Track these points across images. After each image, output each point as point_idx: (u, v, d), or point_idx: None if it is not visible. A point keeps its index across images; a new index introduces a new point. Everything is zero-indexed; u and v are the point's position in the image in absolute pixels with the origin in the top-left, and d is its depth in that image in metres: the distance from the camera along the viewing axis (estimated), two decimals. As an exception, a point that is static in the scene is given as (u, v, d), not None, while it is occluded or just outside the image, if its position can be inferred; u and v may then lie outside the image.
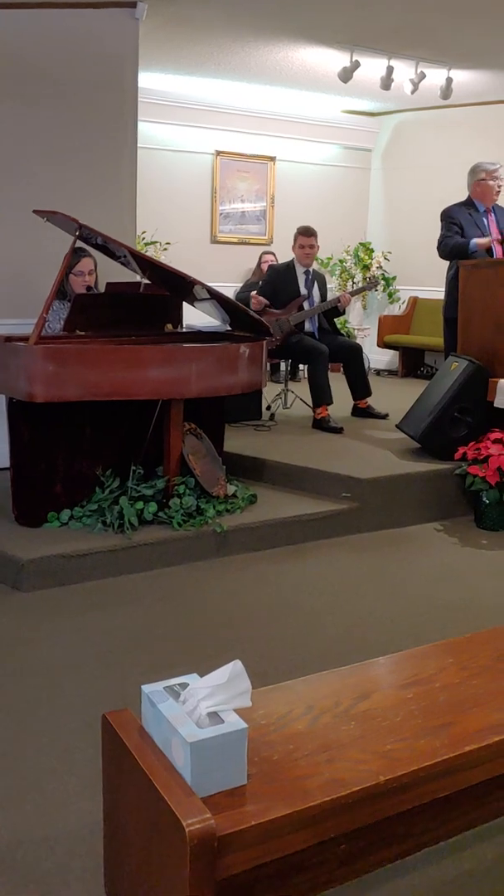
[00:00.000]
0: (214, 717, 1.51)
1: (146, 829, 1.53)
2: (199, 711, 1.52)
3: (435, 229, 5.55)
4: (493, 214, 5.52)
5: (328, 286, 6.27)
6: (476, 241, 5.24)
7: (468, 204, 5.52)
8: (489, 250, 5.37)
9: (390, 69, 6.45)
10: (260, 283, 6.48)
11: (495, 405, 4.69)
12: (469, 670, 1.98)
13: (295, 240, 5.91)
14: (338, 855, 1.70)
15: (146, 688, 1.62)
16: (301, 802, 1.47)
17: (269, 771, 1.55)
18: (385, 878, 1.91)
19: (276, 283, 5.87)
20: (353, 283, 8.63)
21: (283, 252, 6.08)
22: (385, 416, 5.81)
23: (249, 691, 1.55)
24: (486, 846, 2.04)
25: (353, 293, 6.13)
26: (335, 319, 6.06)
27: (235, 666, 1.55)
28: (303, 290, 5.84)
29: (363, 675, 1.95)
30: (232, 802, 1.46)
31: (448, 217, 5.48)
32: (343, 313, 6.08)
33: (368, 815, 1.57)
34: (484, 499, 4.47)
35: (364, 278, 8.55)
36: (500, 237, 5.46)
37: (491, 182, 5.43)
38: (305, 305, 5.81)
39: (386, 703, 1.81)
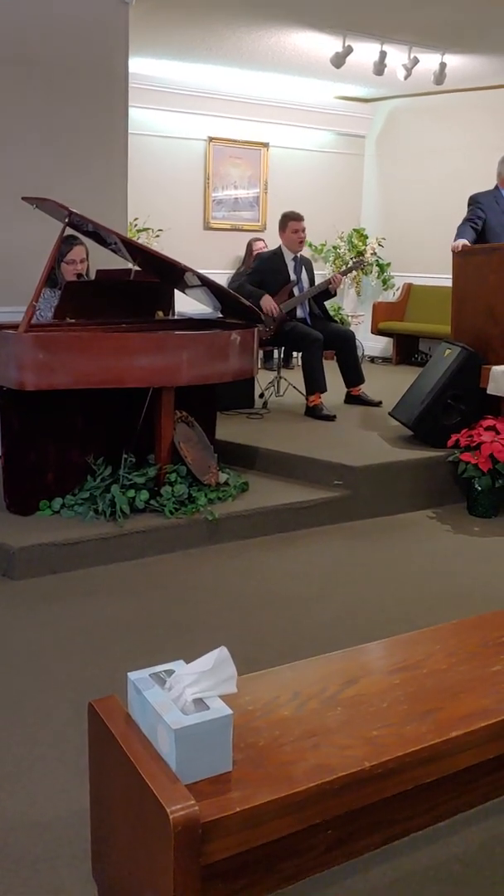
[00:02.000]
0: (200, 703, 1.51)
1: (132, 815, 1.53)
2: (185, 698, 1.51)
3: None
4: None
5: (321, 272, 6.24)
6: (458, 241, 5.21)
7: (496, 191, 5.50)
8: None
9: (383, 54, 6.41)
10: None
11: (488, 392, 4.69)
12: (457, 656, 1.98)
13: (285, 226, 5.84)
14: (325, 840, 1.70)
15: (132, 675, 1.62)
16: (286, 788, 1.48)
17: (255, 757, 1.56)
18: (373, 862, 1.92)
19: (265, 271, 5.83)
20: (346, 266, 8.61)
21: (277, 239, 6.03)
22: (378, 404, 5.80)
23: (235, 678, 1.55)
24: (474, 831, 2.05)
25: (343, 273, 6.09)
26: (327, 305, 6.02)
27: (221, 652, 1.55)
28: (292, 277, 5.81)
29: (351, 661, 1.95)
30: (217, 789, 1.46)
31: (474, 202, 5.45)
32: (335, 295, 6.03)
33: (354, 800, 1.57)
34: (476, 486, 4.48)
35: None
36: None
37: None
38: (295, 291, 5.78)
39: (373, 689, 1.81)
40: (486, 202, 5.41)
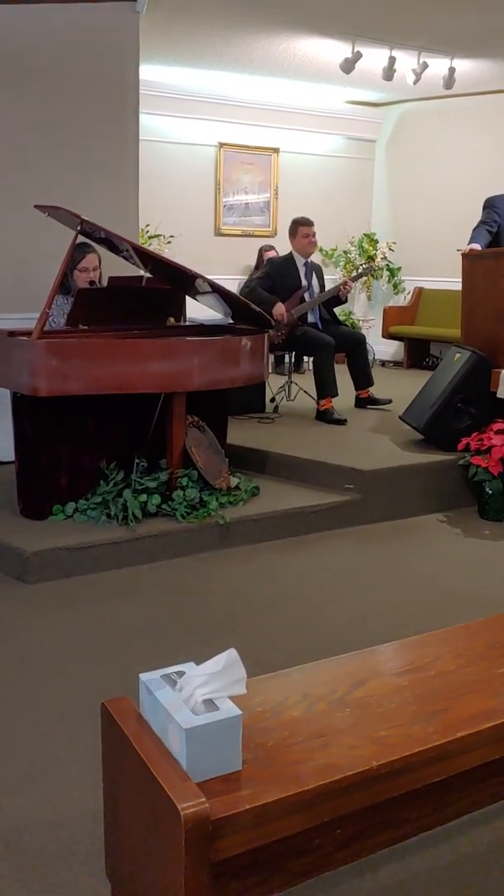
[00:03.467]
0: (210, 704, 1.54)
1: (144, 813, 1.56)
2: (195, 699, 1.55)
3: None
4: None
5: (331, 277, 6.27)
6: (470, 245, 5.22)
7: None
8: None
9: (392, 59, 6.45)
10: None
11: (498, 396, 4.70)
12: (464, 658, 2.00)
13: (295, 231, 5.88)
14: (335, 839, 1.73)
15: (144, 676, 1.65)
16: (294, 787, 1.50)
17: (264, 757, 1.58)
18: (382, 861, 1.94)
19: (276, 276, 5.86)
20: (357, 272, 8.64)
21: (287, 244, 6.06)
22: (388, 402, 5.82)
23: (244, 679, 1.58)
24: (483, 831, 2.07)
25: (353, 279, 6.11)
26: (335, 309, 6.06)
27: (231, 654, 1.58)
28: (303, 282, 5.85)
29: (359, 664, 1.98)
30: (227, 787, 1.49)
31: (490, 206, 5.46)
32: (345, 301, 6.06)
33: (362, 799, 1.59)
34: (487, 489, 4.49)
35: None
36: None
37: None
38: (306, 297, 5.82)
39: (381, 691, 1.84)
40: (501, 205, 5.42)
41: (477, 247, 5.18)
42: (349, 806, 1.58)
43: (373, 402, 5.90)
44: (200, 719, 1.49)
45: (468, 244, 5.29)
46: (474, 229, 5.39)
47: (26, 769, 2.31)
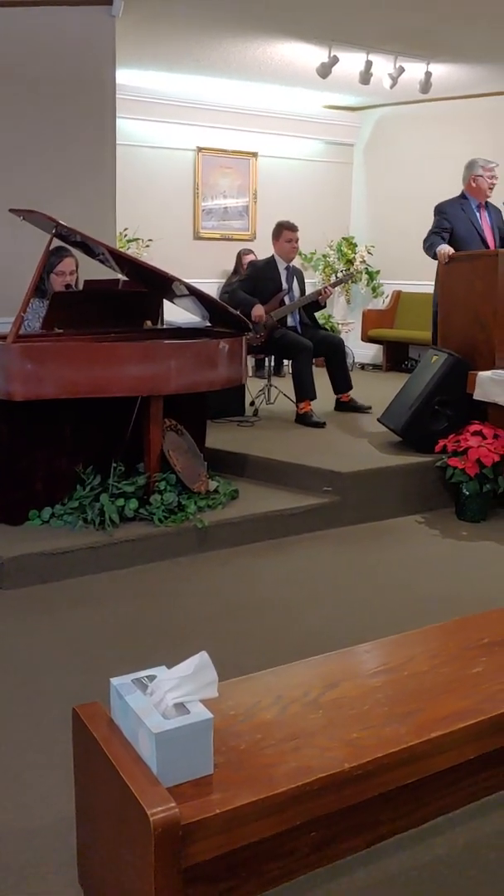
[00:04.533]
0: (181, 707, 1.53)
1: (114, 819, 1.55)
2: (166, 703, 1.54)
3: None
4: (485, 210, 5.55)
5: (310, 281, 6.29)
6: (438, 249, 5.25)
7: (461, 198, 5.56)
8: (485, 243, 5.41)
9: (369, 64, 6.47)
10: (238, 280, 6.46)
11: (475, 397, 4.72)
12: (438, 658, 2.01)
13: (279, 235, 5.90)
14: (309, 842, 1.72)
15: (115, 680, 1.64)
16: (266, 790, 1.50)
17: (236, 760, 1.58)
18: (357, 864, 1.93)
19: (258, 279, 5.88)
20: (336, 277, 8.66)
21: (266, 248, 6.07)
22: (368, 409, 5.84)
23: (216, 682, 1.57)
24: (458, 832, 2.07)
25: (332, 285, 6.14)
26: (315, 313, 6.08)
27: (202, 657, 1.57)
28: (284, 285, 5.86)
29: (333, 665, 1.98)
30: (198, 791, 1.48)
31: (440, 212, 5.52)
32: (324, 307, 6.09)
33: (335, 801, 1.59)
34: (464, 490, 4.51)
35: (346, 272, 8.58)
36: (492, 232, 5.51)
37: (486, 178, 5.47)
38: (286, 300, 5.83)
39: (354, 692, 1.84)
40: (451, 211, 5.48)
41: (450, 249, 5.21)
42: (322, 808, 1.58)
43: (353, 407, 5.91)
44: (170, 723, 1.49)
45: (430, 250, 5.31)
46: (428, 237, 5.43)
47: (1, 776, 2.29)
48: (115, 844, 1.56)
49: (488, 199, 5.58)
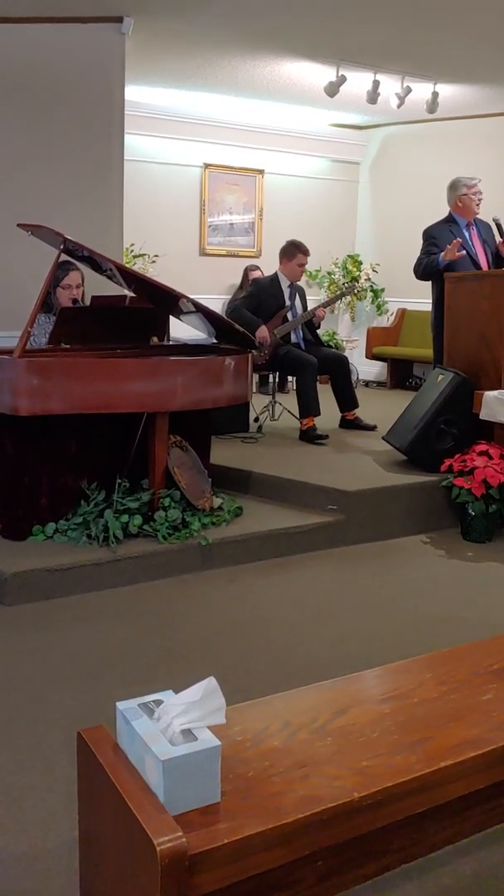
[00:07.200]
0: (188, 734, 1.51)
1: (120, 847, 1.52)
2: (173, 729, 1.51)
3: (422, 241, 5.59)
4: (474, 228, 5.57)
5: (315, 297, 6.30)
6: (441, 255, 5.27)
7: (449, 220, 5.57)
8: (475, 262, 5.41)
9: (376, 83, 6.50)
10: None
11: (481, 417, 4.71)
12: (447, 685, 1.98)
13: (293, 256, 5.87)
14: (315, 872, 1.69)
15: (121, 704, 1.62)
16: (275, 819, 1.47)
17: (244, 788, 1.55)
18: (364, 894, 1.90)
19: (261, 296, 5.88)
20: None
21: (271, 265, 6.08)
22: (373, 428, 5.82)
23: (223, 708, 1.55)
24: (466, 861, 2.03)
25: (324, 305, 6.13)
26: (317, 331, 6.09)
27: (209, 683, 1.55)
28: (287, 302, 5.87)
29: (341, 691, 1.95)
30: (205, 820, 1.45)
31: (428, 236, 5.53)
32: (318, 326, 6.10)
33: (344, 831, 1.56)
34: (470, 511, 4.48)
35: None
36: (484, 249, 5.52)
37: (472, 196, 5.49)
38: (289, 316, 5.84)
39: (363, 719, 1.81)
40: (439, 235, 5.49)
41: (449, 249, 5.23)
42: (331, 838, 1.55)
43: (358, 425, 5.89)
44: (178, 750, 1.46)
45: (427, 269, 5.32)
46: (419, 261, 5.44)
47: (1, 798, 2.26)
48: (120, 873, 1.53)
49: (476, 216, 5.58)
